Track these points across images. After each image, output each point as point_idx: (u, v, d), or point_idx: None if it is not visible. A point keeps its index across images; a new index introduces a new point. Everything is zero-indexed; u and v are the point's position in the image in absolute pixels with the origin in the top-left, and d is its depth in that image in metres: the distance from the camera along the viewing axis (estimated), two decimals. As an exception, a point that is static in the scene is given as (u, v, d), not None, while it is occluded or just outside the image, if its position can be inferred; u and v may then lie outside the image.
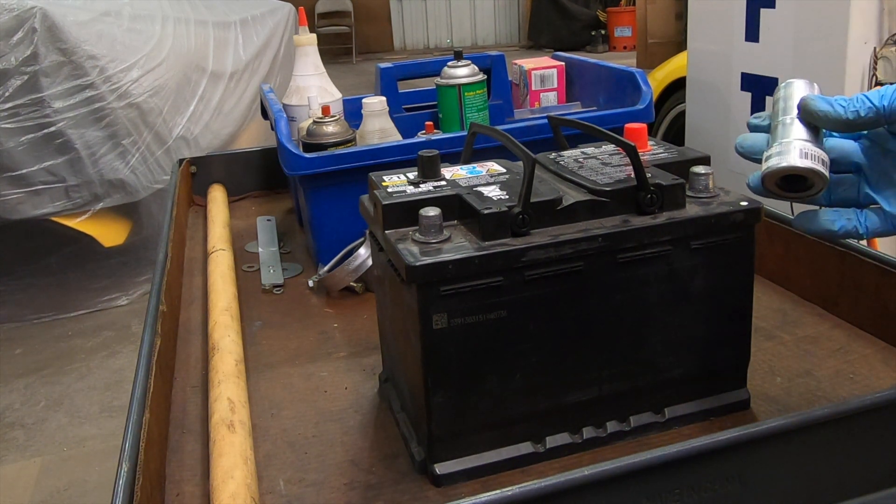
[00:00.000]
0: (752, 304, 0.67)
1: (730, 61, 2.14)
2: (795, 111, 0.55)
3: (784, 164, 0.53)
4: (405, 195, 0.63)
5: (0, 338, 2.81)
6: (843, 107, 0.53)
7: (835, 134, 0.58)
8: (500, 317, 0.59)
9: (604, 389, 0.64)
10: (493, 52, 1.34)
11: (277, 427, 0.73)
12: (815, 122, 0.54)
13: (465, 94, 1.21)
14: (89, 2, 2.91)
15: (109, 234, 2.92)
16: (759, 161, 0.56)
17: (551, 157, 0.73)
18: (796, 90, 0.57)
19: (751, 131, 0.60)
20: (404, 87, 1.32)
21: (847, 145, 0.57)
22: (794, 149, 0.53)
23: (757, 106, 2.05)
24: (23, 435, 2.26)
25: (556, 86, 1.41)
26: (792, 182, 0.54)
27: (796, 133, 0.54)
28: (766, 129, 0.58)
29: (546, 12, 9.39)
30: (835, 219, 0.56)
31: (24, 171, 2.66)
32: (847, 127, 0.54)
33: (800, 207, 0.58)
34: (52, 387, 2.50)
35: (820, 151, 0.54)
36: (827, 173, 0.53)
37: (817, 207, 0.58)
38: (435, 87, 1.24)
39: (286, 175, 1.06)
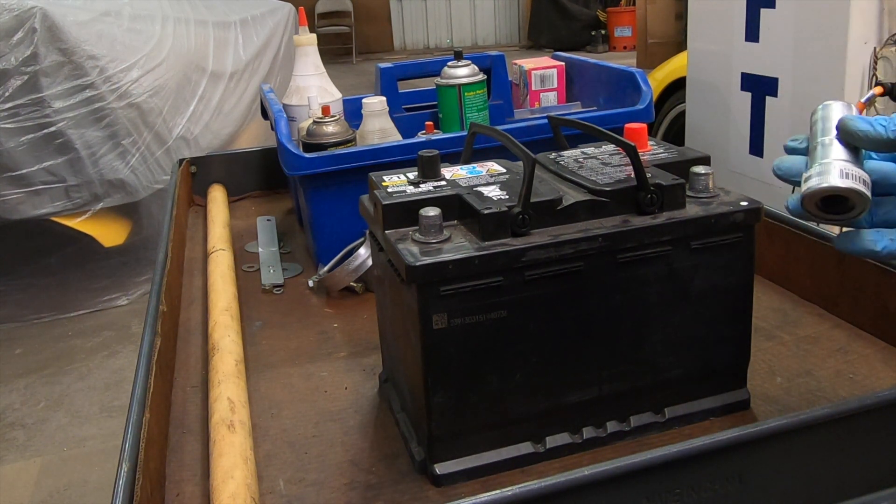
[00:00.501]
0: (752, 304, 0.67)
1: (730, 61, 2.14)
2: (834, 132, 0.55)
3: (825, 184, 0.52)
4: (405, 195, 0.63)
5: (0, 338, 2.81)
6: (884, 126, 0.52)
7: (874, 156, 0.57)
8: (500, 317, 0.59)
9: (604, 389, 0.64)
10: (493, 52, 1.34)
11: (277, 427, 0.73)
12: (856, 143, 0.54)
13: (465, 94, 1.21)
14: (89, 2, 2.91)
15: (109, 234, 2.92)
16: (797, 183, 0.56)
17: (551, 157, 0.73)
18: (834, 111, 0.56)
19: (787, 154, 0.59)
20: (404, 87, 1.32)
21: (887, 167, 0.56)
22: (835, 169, 0.52)
23: (757, 106, 2.05)
24: (23, 435, 2.26)
25: (556, 86, 1.41)
26: (833, 204, 0.53)
27: (836, 154, 0.53)
28: (804, 152, 0.57)
29: (546, 12, 9.39)
30: (877, 239, 0.55)
31: (24, 171, 2.66)
32: (889, 146, 0.53)
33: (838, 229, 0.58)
34: (52, 387, 2.50)
35: (861, 171, 0.53)
36: (869, 193, 0.52)
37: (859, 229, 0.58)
38: (435, 87, 1.24)
39: (286, 175, 1.06)
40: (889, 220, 0.57)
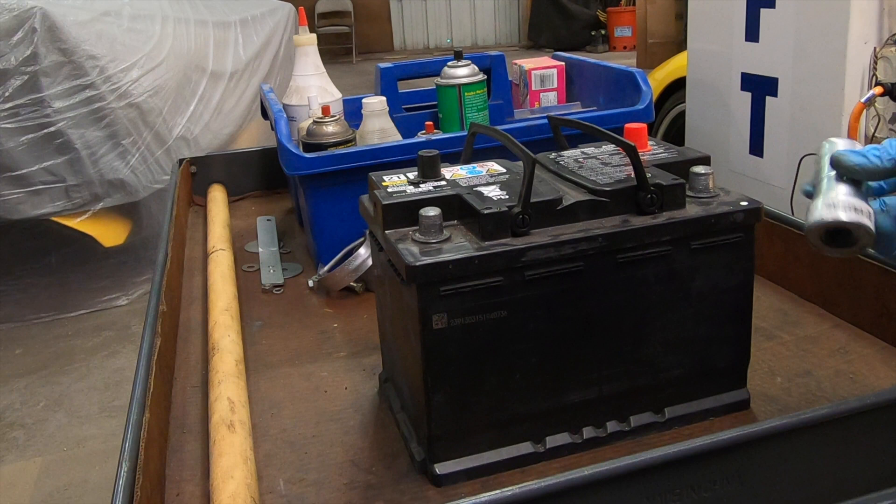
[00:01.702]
0: (752, 304, 0.67)
1: (730, 61, 2.14)
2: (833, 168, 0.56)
3: (820, 219, 0.54)
4: (405, 195, 0.63)
5: (0, 338, 2.81)
6: (878, 156, 0.53)
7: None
8: (500, 317, 0.59)
9: (604, 389, 0.64)
10: (493, 52, 1.34)
11: (277, 427, 0.73)
12: (853, 176, 0.55)
13: (465, 94, 1.21)
14: (89, 2, 2.91)
15: (109, 234, 2.92)
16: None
17: (551, 157, 0.73)
18: (838, 147, 0.57)
19: (804, 195, 0.60)
20: (404, 87, 1.32)
21: None
22: (834, 205, 0.54)
23: (757, 106, 2.05)
24: (23, 435, 2.26)
25: (556, 86, 1.41)
26: (836, 237, 0.55)
27: (836, 189, 0.55)
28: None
29: (546, 12, 9.39)
30: None
31: (24, 171, 2.65)
32: (886, 174, 0.54)
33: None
34: (52, 387, 2.49)
35: (862, 204, 0.54)
36: (871, 225, 0.54)
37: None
38: (435, 87, 1.24)
39: (286, 175, 1.06)
40: None
